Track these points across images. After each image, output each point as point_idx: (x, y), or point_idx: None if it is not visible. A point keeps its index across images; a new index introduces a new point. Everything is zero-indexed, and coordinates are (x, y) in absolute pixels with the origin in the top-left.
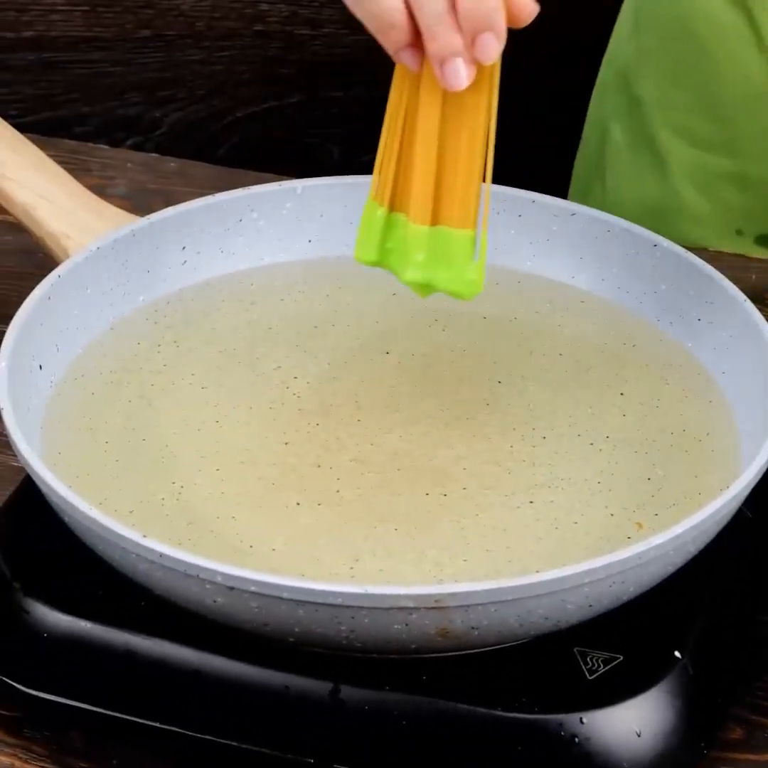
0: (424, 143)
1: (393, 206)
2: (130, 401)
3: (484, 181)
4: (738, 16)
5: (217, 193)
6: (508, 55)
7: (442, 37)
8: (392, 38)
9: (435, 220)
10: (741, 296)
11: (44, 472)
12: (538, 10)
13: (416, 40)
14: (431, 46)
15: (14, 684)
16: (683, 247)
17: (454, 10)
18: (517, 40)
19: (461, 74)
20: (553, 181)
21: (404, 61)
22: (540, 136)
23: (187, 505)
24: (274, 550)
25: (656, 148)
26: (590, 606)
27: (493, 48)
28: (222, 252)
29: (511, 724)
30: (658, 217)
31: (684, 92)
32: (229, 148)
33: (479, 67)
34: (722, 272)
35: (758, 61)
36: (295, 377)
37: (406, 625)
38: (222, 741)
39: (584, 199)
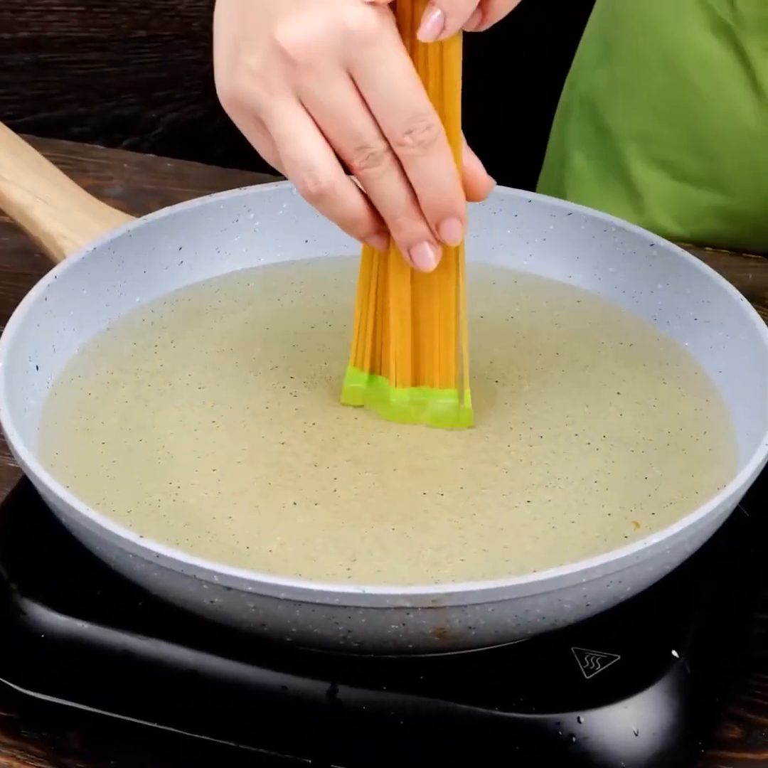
0: (397, 315)
1: (373, 370)
2: (126, 401)
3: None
4: (728, 54)
5: (213, 193)
6: (504, 54)
7: (407, 227)
8: (358, 231)
9: (416, 382)
10: (737, 295)
11: (41, 472)
12: (495, 184)
13: (381, 226)
14: (398, 236)
15: (11, 685)
16: (681, 246)
17: (415, 200)
18: (514, 30)
19: (429, 256)
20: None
21: (373, 244)
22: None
23: (184, 506)
24: (271, 550)
25: (629, 180)
26: (587, 605)
27: (457, 231)
28: (218, 252)
29: (509, 723)
30: None
31: (665, 126)
32: (226, 148)
33: (445, 246)
34: (719, 271)
35: (748, 98)
36: (292, 377)
37: (404, 625)
38: (219, 741)
39: None
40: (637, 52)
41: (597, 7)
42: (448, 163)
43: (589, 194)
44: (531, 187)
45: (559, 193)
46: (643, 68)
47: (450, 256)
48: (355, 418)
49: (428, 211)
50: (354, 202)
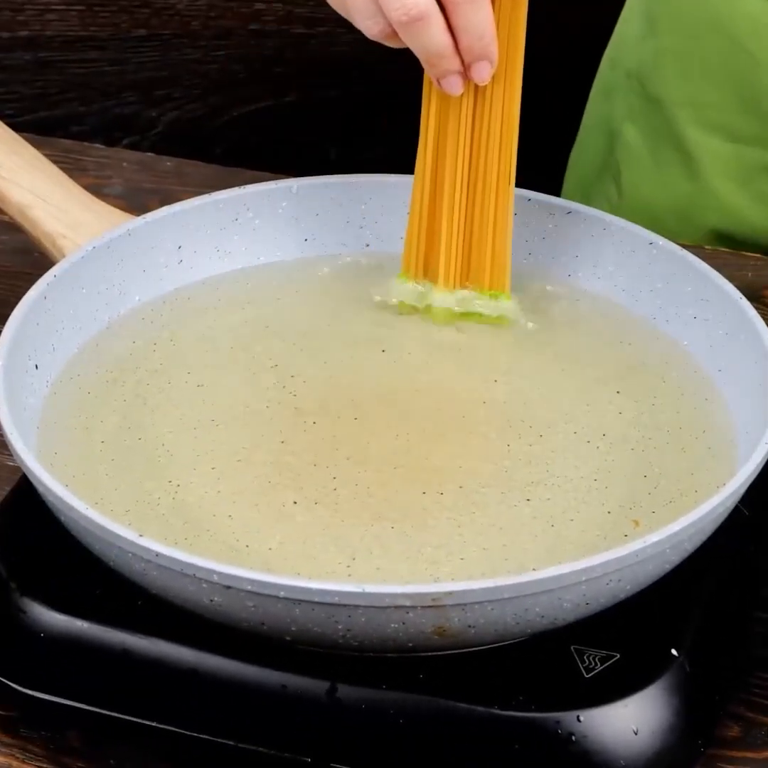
0: (449, 209)
1: (424, 274)
2: (126, 400)
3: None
4: None
5: (212, 192)
6: None
7: (444, 64)
8: (442, 66)
9: (465, 282)
10: (737, 294)
11: (40, 471)
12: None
13: (461, 65)
14: (433, 70)
15: (11, 684)
16: (680, 245)
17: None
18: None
19: (459, 84)
20: (544, 179)
21: (449, 87)
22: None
23: (183, 504)
24: (270, 548)
25: (684, 146)
26: (587, 604)
27: (487, 71)
28: (218, 251)
29: (508, 722)
30: (685, 214)
31: (717, 90)
32: (225, 147)
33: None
34: (718, 270)
35: None
36: (292, 376)
37: (403, 623)
38: (219, 740)
39: (589, 202)
40: (685, 22)
41: None
42: (487, 13)
43: (643, 166)
44: (554, 173)
45: (607, 171)
46: (693, 37)
47: (505, 157)
48: (355, 418)
49: (466, 53)
50: (443, 33)
